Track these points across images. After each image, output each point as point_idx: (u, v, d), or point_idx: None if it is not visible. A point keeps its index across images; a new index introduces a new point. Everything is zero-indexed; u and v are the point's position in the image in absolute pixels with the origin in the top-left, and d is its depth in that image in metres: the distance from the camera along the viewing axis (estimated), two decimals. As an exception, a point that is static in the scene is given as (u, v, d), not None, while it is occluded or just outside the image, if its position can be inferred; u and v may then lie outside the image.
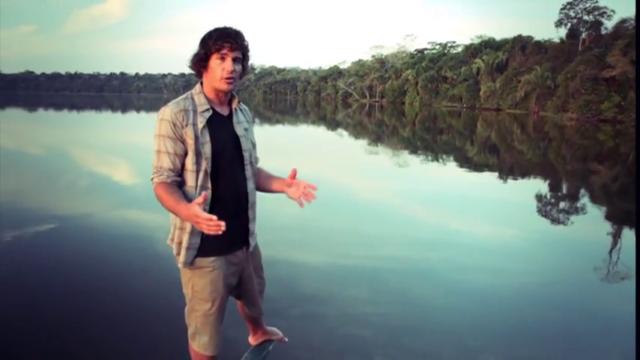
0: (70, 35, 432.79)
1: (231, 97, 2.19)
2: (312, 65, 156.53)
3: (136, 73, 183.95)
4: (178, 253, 2.12)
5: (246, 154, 2.19)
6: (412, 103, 68.16)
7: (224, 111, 2.16)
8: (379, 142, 19.98)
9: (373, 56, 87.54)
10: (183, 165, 2.04)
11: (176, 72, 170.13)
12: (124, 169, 11.39)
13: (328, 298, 4.06)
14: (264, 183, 2.35)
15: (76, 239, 5.62)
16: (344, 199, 8.34)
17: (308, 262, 4.97)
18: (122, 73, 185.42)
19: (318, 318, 3.67)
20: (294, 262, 4.92)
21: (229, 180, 2.13)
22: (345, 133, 25.17)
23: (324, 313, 3.75)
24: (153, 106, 58.80)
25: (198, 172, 2.03)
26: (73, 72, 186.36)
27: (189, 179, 2.05)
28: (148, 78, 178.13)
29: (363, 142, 20.17)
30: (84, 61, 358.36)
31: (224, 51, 1.99)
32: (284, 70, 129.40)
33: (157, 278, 4.32)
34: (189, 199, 1.97)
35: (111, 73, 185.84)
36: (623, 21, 41.22)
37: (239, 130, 2.18)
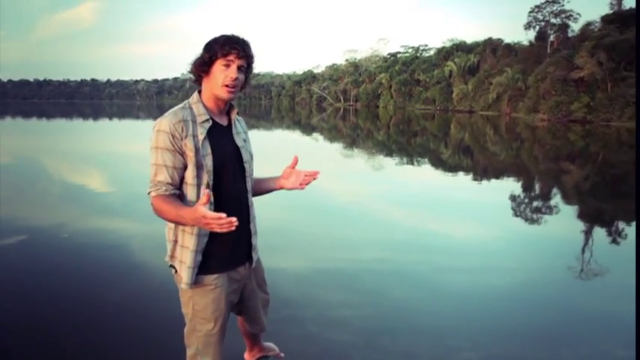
0: (38, 41, 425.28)
1: (230, 107, 2.09)
2: (286, 70, 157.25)
3: (108, 80, 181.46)
4: (180, 272, 2.00)
5: (247, 166, 2.11)
6: (386, 106, 68.70)
7: (223, 121, 2.06)
8: (354, 146, 20.04)
9: (347, 60, 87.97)
10: (182, 178, 1.93)
11: (149, 78, 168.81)
12: (99, 177, 11.16)
13: (307, 302, 4.04)
14: (256, 186, 2.26)
15: (60, 247, 5.56)
16: (321, 202, 8.32)
17: (287, 267, 4.92)
18: (93, 80, 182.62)
19: (297, 322, 3.64)
20: (273, 266, 4.85)
21: (232, 193, 2.03)
22: (320, 137, 25.15)
23: (303, 317, 3.72)
24: (126, 113, 58.12)
25: (199, 185, 1.92)
26: (41, 79, 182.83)
27: (190, 193, 1.93)
28: (120, 84, 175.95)
29: (338, 146, 20.20)
30: (53, 68, 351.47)
31: (230, 57, 1.89)
32: (258, 75, 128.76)
33: (145, 282, 4.28)
34: None
35: (82, 80, 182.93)
36: (589, 24, 42.17)
37: (239, 141, 2.09)
